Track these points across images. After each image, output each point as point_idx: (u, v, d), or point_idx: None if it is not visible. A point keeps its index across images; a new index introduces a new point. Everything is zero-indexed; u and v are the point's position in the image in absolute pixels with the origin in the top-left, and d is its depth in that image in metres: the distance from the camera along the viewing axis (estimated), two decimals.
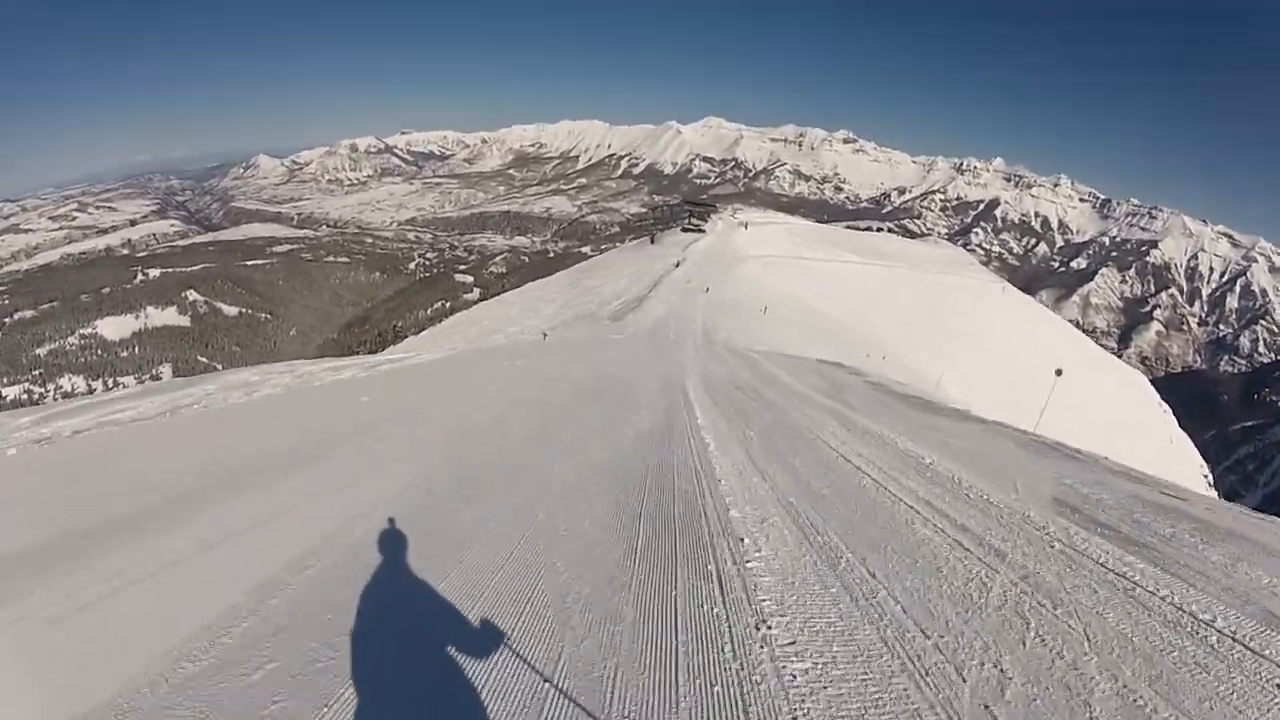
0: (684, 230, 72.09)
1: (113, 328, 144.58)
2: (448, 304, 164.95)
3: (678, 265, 51.08)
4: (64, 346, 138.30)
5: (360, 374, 12.56)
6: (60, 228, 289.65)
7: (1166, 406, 69.27)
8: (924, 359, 45.31)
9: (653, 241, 69.47)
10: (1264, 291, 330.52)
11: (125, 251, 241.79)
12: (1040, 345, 59.47)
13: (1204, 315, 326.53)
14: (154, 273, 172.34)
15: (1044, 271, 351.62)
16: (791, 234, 74.29)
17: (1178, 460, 52.44)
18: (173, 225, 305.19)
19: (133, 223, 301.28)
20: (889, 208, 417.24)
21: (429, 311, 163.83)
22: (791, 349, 30.78)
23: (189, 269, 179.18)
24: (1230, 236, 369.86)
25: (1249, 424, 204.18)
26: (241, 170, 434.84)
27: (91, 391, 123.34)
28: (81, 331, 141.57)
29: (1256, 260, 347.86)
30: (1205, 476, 57.33)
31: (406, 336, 70.25)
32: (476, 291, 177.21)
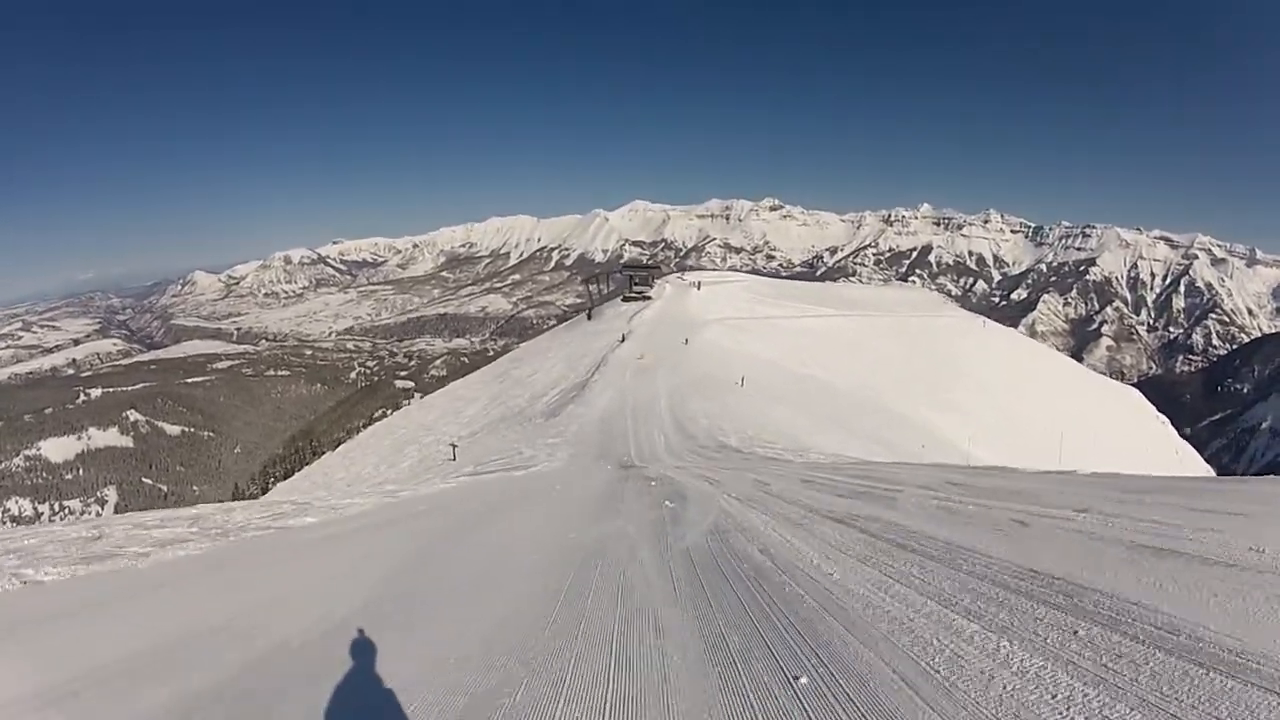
0: (625, 300, 63.54)
1: (56, 449, 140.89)
2: (389, 411, 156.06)
3: (623, 339, 42.24)
4: (10, 468, 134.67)
5: None
6: (7, 346, 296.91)
7: (1165, 418, 66.21)
8: (934, 417, 38.10)
9: (590, 318, 60.60)
10: (1209, 286, 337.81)
11: (70, 371, 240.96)
12: (1037, 377, 55.96)
13: (1152, 321, 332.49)
14: (95, 393, 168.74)
15: (985, 308, 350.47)
16: (749, 291, 66.65)
17: (1189, 469, 49.16)
18: (115, 344, 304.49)
19: (76, 342, 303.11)
20: (822, 269, 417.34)
21: (371, 420, 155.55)
22: (798, 436, 22.15)
23: (129, 388, 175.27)
24: (1168, 239, 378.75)
25: (1216, 418, 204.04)
26: (179, 287, 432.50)
27: (39, 516, 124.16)
28: (26, 453, 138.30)
29: (1198, 256, 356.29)
30: None
31: (324, 453, 63.25)
32: (417, 397, 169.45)
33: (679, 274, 78.64)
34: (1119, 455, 43.17)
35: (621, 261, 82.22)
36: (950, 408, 40.79)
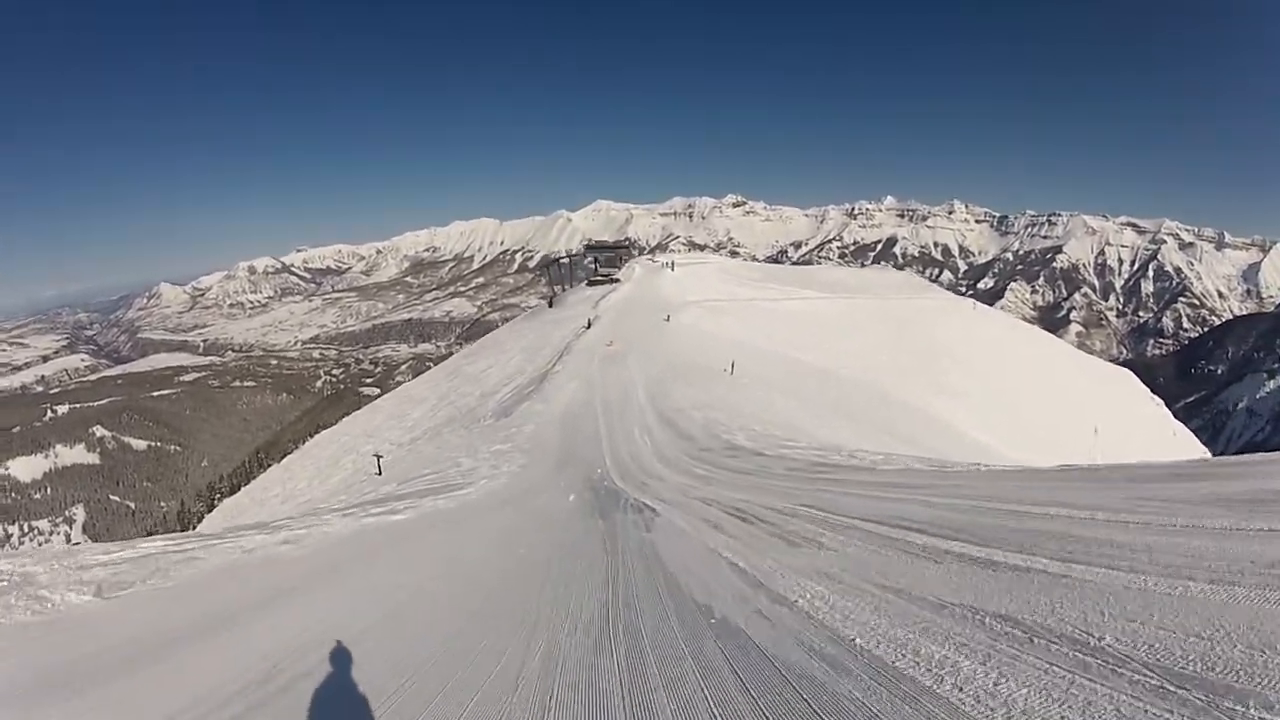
0: (591, 284, 58.95)
1: (24, 468, 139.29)
2: None
3: (589, 326, 37.85)
4: None
5: None
6: None
7: (1159, 400, 64.33)
8: (936, 402, 34.76)
9: (551, 305, 55.94)
10: (1178, 270, 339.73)
11: (39, 388, 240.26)
12: (1032, 360, 53.02)
13: (1121, 307, 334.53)
14: (62, 409, 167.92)
15: None
16: (726, 273, 62.31)
17: (1185, 451, 47.03)
18: (83, 359, 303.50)
19: (44, 359, 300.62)
20: (786, 264, 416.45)
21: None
22: (813, 431, 18.14)
23: (96, 404, 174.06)
24: (1135, 225, 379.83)
25: (1190, 400, 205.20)
26: (145, 300, 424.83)
27: (8, 537, 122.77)
28: None
29: (1165, 241, 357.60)
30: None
31: (270, 467, 59.38)
32: None
33: (650, 255, 74.47)
34: (1123, 440, 40.69)
35: (586, 242, 76.98)
36: (949, 392, 37.57)
